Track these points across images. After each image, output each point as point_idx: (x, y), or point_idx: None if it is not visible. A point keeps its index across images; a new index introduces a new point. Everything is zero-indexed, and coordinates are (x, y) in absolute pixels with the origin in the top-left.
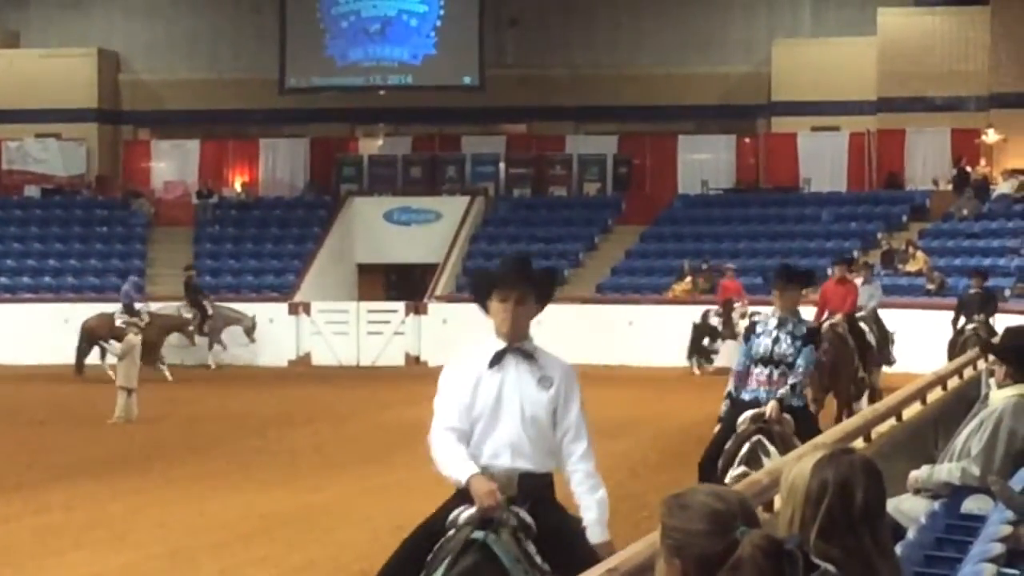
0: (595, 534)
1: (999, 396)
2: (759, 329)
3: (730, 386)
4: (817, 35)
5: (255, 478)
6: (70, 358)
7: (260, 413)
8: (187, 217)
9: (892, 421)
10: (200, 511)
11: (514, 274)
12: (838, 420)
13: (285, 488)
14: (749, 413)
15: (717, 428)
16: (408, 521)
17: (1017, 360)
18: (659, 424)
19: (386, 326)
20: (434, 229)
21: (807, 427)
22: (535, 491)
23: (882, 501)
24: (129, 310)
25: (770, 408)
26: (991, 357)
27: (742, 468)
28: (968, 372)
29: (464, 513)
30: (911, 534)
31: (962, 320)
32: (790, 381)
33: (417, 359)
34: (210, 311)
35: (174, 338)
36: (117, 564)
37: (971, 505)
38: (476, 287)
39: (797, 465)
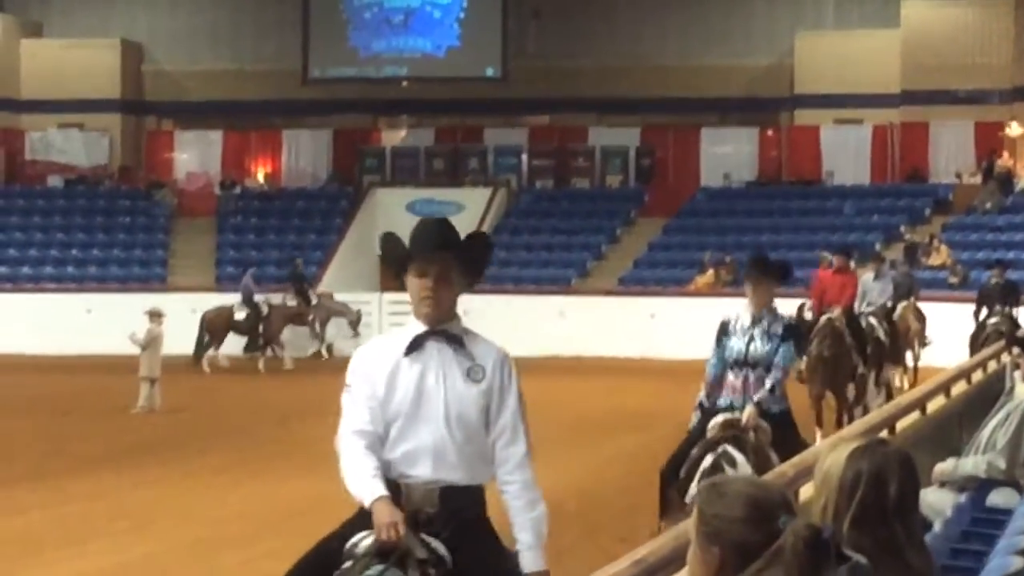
0: (528, 561)
1: None
2: (731, 329)
3: (701, 395)
4: (840, 27)
5: (276, 469)
6: (93, 348)
7: (282, 404)
8: (210, 208)
9: (916, 414)
10: (221, 502)
11: (434, 243)
12: (838, 422)
13: (306, 479)
14: (721, 418)
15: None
16: None
17: None
18: (681, 417)
19: (408, 318)
20: (456, 221)
21: (787, 436)
22: (460, 510)
23: (916, 494)
24: (248, 302)
25: (747, 414)
26: (1016, 350)
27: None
28: (992, 365)
29: (364, 541)
30: (937, 527)
31: (984, 312)
32: (767, 383)
33: None
34: (314, 301)
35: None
36: (139, 554)
37: (997, 498)
38: (387, 258)
39: (832, 455)
